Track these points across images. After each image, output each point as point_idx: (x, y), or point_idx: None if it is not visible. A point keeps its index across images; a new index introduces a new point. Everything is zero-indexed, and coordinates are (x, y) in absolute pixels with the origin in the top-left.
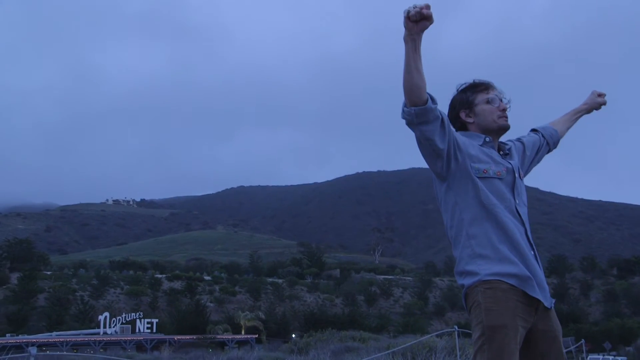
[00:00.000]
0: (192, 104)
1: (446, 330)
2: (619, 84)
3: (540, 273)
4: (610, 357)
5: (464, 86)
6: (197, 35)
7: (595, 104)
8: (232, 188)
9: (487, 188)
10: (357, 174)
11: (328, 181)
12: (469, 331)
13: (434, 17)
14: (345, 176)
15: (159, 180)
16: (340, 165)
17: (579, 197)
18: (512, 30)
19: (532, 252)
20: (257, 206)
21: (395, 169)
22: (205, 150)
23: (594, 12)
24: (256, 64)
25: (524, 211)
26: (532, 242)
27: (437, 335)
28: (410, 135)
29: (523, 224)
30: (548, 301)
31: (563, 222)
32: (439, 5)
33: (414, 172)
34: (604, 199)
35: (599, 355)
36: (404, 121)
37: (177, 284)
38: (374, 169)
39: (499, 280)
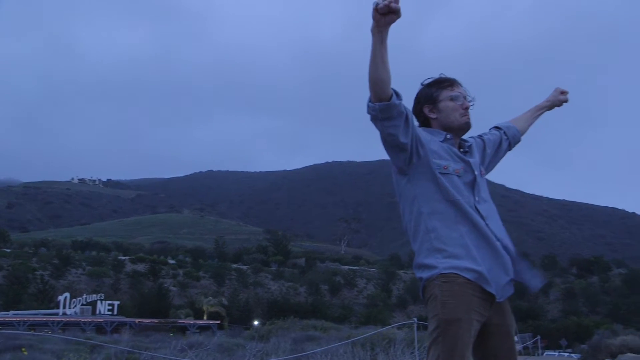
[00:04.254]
0: (169, 85)
1: (406, 322)
2: (591, 86)
3: (500, 266)
4: (566, 354)
5: (429, 81)
6: (180, 15)
7: (557, 101)
8: (200, 172)
9: (447, 184)
10: (327, 163)
11: (298, 169)
12: (426, 324)
13: (412, 11)
14: (315, 165)
15: (127, 161)
16: (312, 154)
17: (544, 195)
18: (494, 27)
19: (493, 246)
20: (225, 191)
21: (365, 159)
22: (178, 132)
23: (572, 14)
24: (237, 47)
25: (483, 207)
26: (494, 235)
27: (397, 327)
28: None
29: (485, 218)
30: (503, 295)
31: (527, 220)
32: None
33: (382, 163)
34: (568, 199)
35: (554, 352)
36: (368, 116)
37: (141, 267)
38: (344, 159)
39: (456, 274)
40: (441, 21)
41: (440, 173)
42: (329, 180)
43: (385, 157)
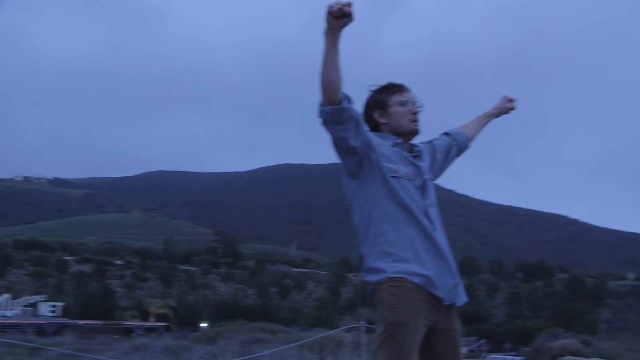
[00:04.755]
0: (121, 82)
1: (354, 325)
2: (542, 96)
3: (448, 272)
4: (509, 357)
5: (378, 87)
6: (135, 11)
7: (505, 108)
8: (151, 172)
9: (398, 187)
10: (279, 165)
11: (250, 171)
12: (373, 327)
13: (368, 16)
14: (267, 167)
15: (75, 159)
16: (264, 156)
17: (492, 201)
18: (449, 35)
19: (440, 251)
20: (176, 192)
21: (317, 162)
22: (129, 131)
23: (527, 25)
24: (192, 45)
25: (433, 212)
26: (440, 240)
27: (345, 330)
28: None
29: (433, 223)
30: (449, 299)
31: (475, 224)
32: (380, 3)
33: (335, 166)
34: (514, 205)
35: (498, 355)
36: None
37: (87, 268)
38: (297, 161)
39: (404, 278)
40: (396, 28)
41: (391, 177)
42: (281, 182)
43: (338, 160)
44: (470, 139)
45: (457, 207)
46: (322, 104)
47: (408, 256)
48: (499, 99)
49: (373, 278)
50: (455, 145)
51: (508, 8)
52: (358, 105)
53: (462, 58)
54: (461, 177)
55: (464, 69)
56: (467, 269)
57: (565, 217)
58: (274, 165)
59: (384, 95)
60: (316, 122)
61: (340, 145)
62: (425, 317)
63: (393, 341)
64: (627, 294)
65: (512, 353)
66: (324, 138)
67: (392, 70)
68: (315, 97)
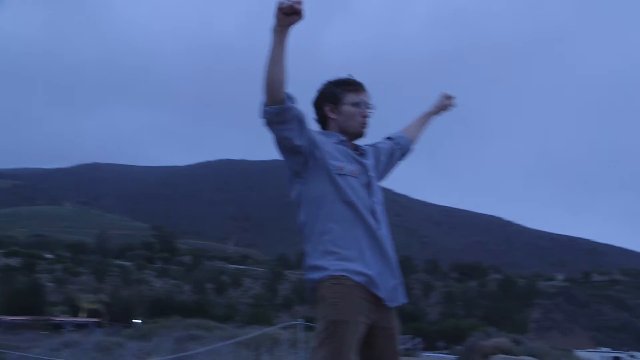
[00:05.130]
0: (57, 71)
1: (291, 322)
2: (481, 98)
3: (390, 271)
4: (443, 356)
5: (336, 79)
6: (77, 2)
7: (444, 106)
8: (86, 164)
9: (344, 185)
10: (219, 160)
11: (189, 165)
12: (312, 324)
13: (313, 16)
14: (207, 162)
15: (4, 149)
16: (204, 151)
17: (430, 201)
18: (393, 37)
19: (384, 250)
20: (112, 185)
21: (258, 158)
22: (63, 121)
23: (469, 30)
24: (131, 37)
25: (379, 210)
26: (386, 240)
27: (282, 328)
28: None
29: (379, 222)
30: (392, 301)
31: (413, 224)
32: (324, 3)
33: (275, 163)
34: (452, 206)
35: (432, 353)
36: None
37: (14, 261)
38: (237, 157)
39: (346, 276)
40: (340, 28)
41: (337, 174)
42: (221, 178)
43: (282, 159)
44: (412, 141)
45: (396, 206)
46: (266, 104)
47: (352, 255)
48: (438, 97)
49: (315, 276)
50: (398, 149)
51: (450, 12)
52: (301, 104)
53: (405, 60)
54: (400, 177)
55: (406, 71)
56: (404, 268)
57: (499, 219)
58: (214, 161)
59: (340, 91)
60: (258, 119)
61: (284, 145)
62: (366, 315)
63: (333, 339)
64: (556, 295)
65: (445, 351)
66: (265, 134)
67: (334, 70)
68: (257, 93)
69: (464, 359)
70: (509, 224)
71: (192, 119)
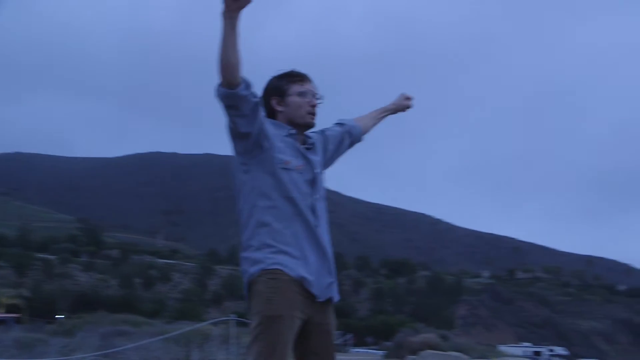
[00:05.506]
0: None
1: (223, 318)
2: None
3: (327, 269)
4: (372, 351)
5: (280, 73)
6: None
7: (402, 106)
8: (7, 153)
9: (287, 180)
10: (150, 153)
11: (118, 157)
12: (245, 320)
13: (251, 11)
14: (137, 154)
15: None
16: (134, 142)
17: (361, 198)
18: (330, 34)
19: (321, 247)
20: (35, 175)
21: (189, 152)
22: None
23: (402, 30)
24: (60, 23)
25: (321, 206)
26: (324, 236)
27: (213, 323)
28: (208, 120)
29: (318, 219)
30: (324, 296)
31: (344, 221)
32: None
33: (208, 157)
34: (382, 203)
35: (361, 349)
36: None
37: None
38: (168, 150)
39: (281, 270)
40: (276, 24)
41: (281, 168)
42: (151, 170)
43: (211, 151)
44: (364, 132)
45: (328, 203)
46: (221, 85)
47: (288, 250)
48: (397, 96)
49: (250, 269)
50: (348, 137)
51: (384, 11)
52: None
53: (342, 57)
54: (333, 174)
55: (343, 69)
56: (335, 264)
57: (428, 217)
58: (144, 153)
59: (285, 83)
60: (189, 112)
61: (232, 129)
62: (301, 310)
63: (268, 334)
64: (481, 292)
65: (374, 347)
66: (197, 128)
67: (270, 66)
68: (190, 85)
69: (392, 355)
70: (437, 222)
71: (122, 109)
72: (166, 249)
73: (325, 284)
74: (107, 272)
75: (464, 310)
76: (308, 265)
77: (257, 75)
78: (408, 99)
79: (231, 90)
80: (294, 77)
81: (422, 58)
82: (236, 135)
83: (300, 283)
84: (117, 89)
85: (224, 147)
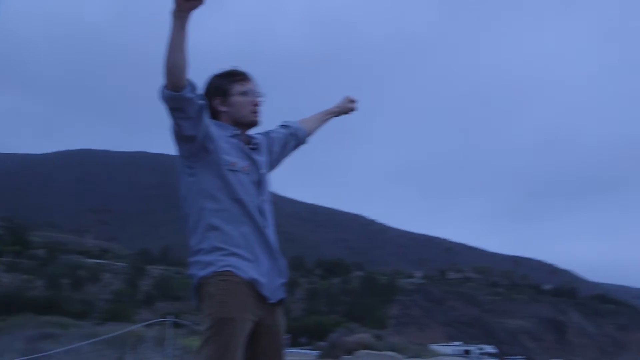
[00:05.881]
0: None
1: (159, 319)
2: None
3: (277, 270)
4: (305, 352)
5: (220, 73)
6: None
7: (346, 109)
8: None
9: (234, 181)
10: (80, 150)
11: (45, 154)
12: (181, 321)
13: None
14: (66, 151)
15: None
16: (64, 139)
17: (297, 199)
18: (267, 33)
19: (271, 248)
20: None
21: (121, 149)
22: None
23: (340, 31)
24: None
25: (268, 208)
26: (272, 238)
27: (146, 325)
28: (141, 118)
29: (266, 220)
30: (275, 297)
31: (281, 221)
32: None
33: (141, 155)
34: (317, 203)
35: (295, 349)
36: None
37: None
38: (99, 147)
39: (233, 273)
40: (212, 22)
41: (228, 170)
42: (80, 168)
43: (144, 149)
44: (308, 134)
45: None
46: (165, 87)
47: (239, 252)
48: (342, 98)
49: (200, 272)
50: (293, 139)
51: (321, 11)
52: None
53: (278, 57)
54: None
55: (278, 68)
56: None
57: (363, 218)
58: (74, 150)
59: (226, 83)
60: (122, 109)
61: (176, 132)
62: (252, 312)
63: (220, 336)
64: (414, 291)
65: (307, 347)
66: (130, 125)
67: (207, 64)
68: (124, 84)
69: (327, 355)
70: (371, 222)
71: (52, 105)
72: (96, 249)
73: (276, 285)
74: (32, 273)
75: (397, 310)
76: (260, 267)
77: (194, 73)
78: (352, 101)
79: (176, 92)
80: (236, 77)
81: (357, 58)
82: (181, 138)
83: (252, 285)
84: (47, 83)
85: (156, 145)
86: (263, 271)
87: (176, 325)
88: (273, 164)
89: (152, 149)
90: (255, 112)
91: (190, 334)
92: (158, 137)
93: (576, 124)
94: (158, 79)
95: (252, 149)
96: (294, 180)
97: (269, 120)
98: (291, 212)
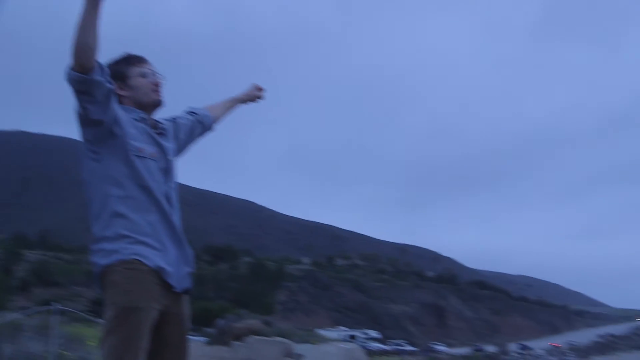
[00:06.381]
0: None
1: (43, 307)
2: (242, 84)
3: (184, 258)
4: (193, 338)
5: (116, 59)
6: None
7: (253, 96)
8: None
9: (141, 168)
10: None
11: None
12: (67, 309)
13: None
14: None
15: None
16: None
17: (185, 183)
18: (157, 14)
19: (178, 236)
20: None
21: None
22: None
23: (233, 14)
24: None
25: (174, 195)
26: (178, 225)
27: (28, 314)
28: (21, 96)
29: (173, 208)
30: (181, 286)
31: None
32: None
33: (17, 135)
34: (206, 188)
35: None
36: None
37: None
38: None
39: (139, 261)
40: None
41: (135, 156)
42: None
43: (22, 128)
44: (215, 121)
45: None
46: (72, 68)
47: (146, 240)
48: (249, 86)
49: (104, 260)
50: (199, 126)
51: None
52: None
53: (171, 37)
54: None
55: (169, 49)
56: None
57: (252, 203)
58: None
59: (123, 67)
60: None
61: (82, 115)
62: (158, 301)
63: (126, 326)
64: (302, 278)
65: (194, 334)
66: (8, 103)
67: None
68: (3, 61)
69: (215, 341)
70: (261, 208)
71: None
72: None
73: (182, 274)
74: None
75: (285, 296)
76: (167, 255)
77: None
78: (259, 89)
79: (84, 75)
80: (132, 60)
81: (250, 43)
82: (86, 122)
83: (159, 274)
84: None
85: (36, 124)
86: (170, 260)
87: (64, 312)
88: (179, 150)
89: (32, 129)
90: (157, 92)
91: (73, 321)
92: (38, 117)
93: (462, 116)
94: (42, 58)
95: (159, 134)
96: (182, 164)
97: (168, 104)
98: (180, 197)
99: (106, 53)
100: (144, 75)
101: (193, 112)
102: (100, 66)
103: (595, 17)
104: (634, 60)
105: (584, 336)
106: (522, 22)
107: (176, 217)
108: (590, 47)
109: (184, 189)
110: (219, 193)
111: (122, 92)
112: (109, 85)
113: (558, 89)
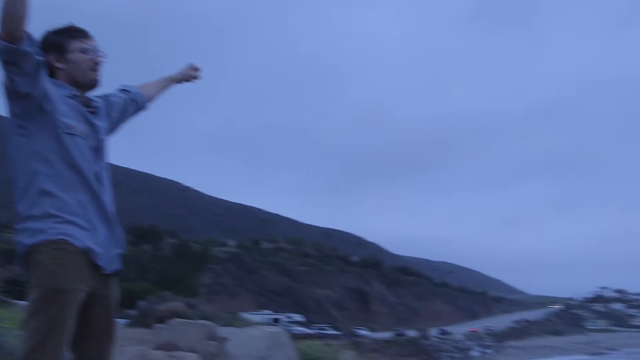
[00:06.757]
0: None
1: None
2: (171, 65)
3: (114, 239)
4: (117, 319)
5: (58, 28)
6: None
7: (188, 76)
8: None
9: (71, 145)
10: None
11: None
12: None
13: None
14: None
15: None
16: None
17: (109, 162)
18: None
19: (108, 217)
20: None
21: None
22: None
23: None
24: None
25: (106, 175)
26: (110, 207)
27: None
28: None
29: (104, 187)
30: (111, 268)
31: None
32: None
33: None
34: (131, 167)
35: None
36: None
37: None
38: None
39: (67, 241)
40: None
41: (65, 133)
42: None
43: (4, 101)
44: (148, 100)
45: None
46: (0, 38)
47: (75, 220)
48: (184, 66)
49: (30, 240)
50: (133, 105)
51: None
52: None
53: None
54: None
55: (100, 27)
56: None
57: (178, 184)
58: None
59: (63, 39)
60: None
61: (9, 88)
62: (86, 283)
63: (51, 308)
64: (227, 260)
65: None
66: None
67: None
68: None
69: (138, 323)
70: (186, 189)
71: None
72: None
73: (112, 255)
74: None
75: (209, 278)
76: (97, 236)
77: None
78: (195, 69)
79: (13, 45)
80: (75, 33)
81: (184, 22)
82: (14, 95)
83: (87, 254)
84: None
85: None
86: (100, 241)
87: None
88: (111, 129)
89: None
90: (95, 71)
91: None
92: None
93: (393, 104)
94: None
95: (92, 112)
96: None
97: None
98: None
99: (36, 25)
100: (84, 51)
101: (126, 90)
102: (30, 37)
103: (523, 11)
104: (559, 55)
105: (501, 322)
106: (455, 12)
107: (107, 197)
108: (518, 39)
109: (110, 169)
110: (143, 172)
111: (58, 65)
112: (38, 58)
113: (487, 79)
